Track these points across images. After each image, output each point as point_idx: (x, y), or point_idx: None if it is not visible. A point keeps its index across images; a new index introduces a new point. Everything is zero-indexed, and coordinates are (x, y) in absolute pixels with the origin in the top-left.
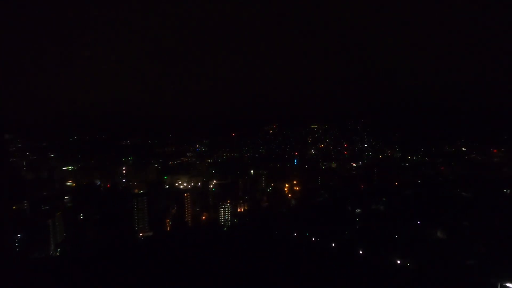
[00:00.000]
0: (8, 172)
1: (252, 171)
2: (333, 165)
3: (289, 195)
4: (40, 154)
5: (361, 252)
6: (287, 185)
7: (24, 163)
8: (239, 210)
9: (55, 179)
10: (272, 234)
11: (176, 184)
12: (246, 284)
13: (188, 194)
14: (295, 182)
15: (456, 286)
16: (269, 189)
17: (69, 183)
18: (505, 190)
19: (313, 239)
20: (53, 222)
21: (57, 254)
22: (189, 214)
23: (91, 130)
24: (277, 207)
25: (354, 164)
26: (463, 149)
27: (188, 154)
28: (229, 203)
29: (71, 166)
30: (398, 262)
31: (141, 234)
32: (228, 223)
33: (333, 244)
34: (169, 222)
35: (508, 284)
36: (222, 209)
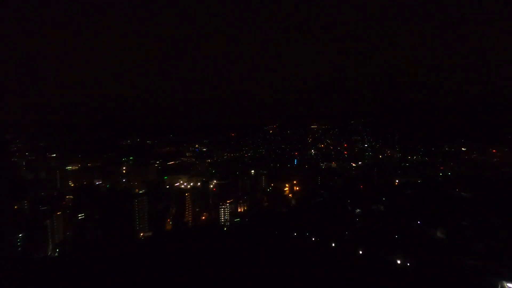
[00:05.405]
0: (8, 172)
1: (252, 171)
2: (333, 165)
3: (289, 195)
4: (40, 154)
5: (361, 252)
6: (287, 185)
7: (24, 163)
8: (239, 210)
9: (55, 179)
10: (272, 234)
11: (176, 184)
12: (247, 284)
13: (188, 194)
14: (295, 182)
15: (456, 286)
16: (269, 189)
17: (69, 183)
18: (505, 190)
19: (313, 239)
20: (51, 222)
21: (56, 254)
22: (189, 214)
23: (91, 130)
24: (277, 207)
25: (354, 164)
26: (463, 149)
27: (188, 154)
28: (229, 203)
29: (71, 166)
30: (398, 262)
31: (141, 234)
32: (228, 223)
33: (333, 244)
34: (169, 222)
35: (508, 284)
36: (222, 209)
